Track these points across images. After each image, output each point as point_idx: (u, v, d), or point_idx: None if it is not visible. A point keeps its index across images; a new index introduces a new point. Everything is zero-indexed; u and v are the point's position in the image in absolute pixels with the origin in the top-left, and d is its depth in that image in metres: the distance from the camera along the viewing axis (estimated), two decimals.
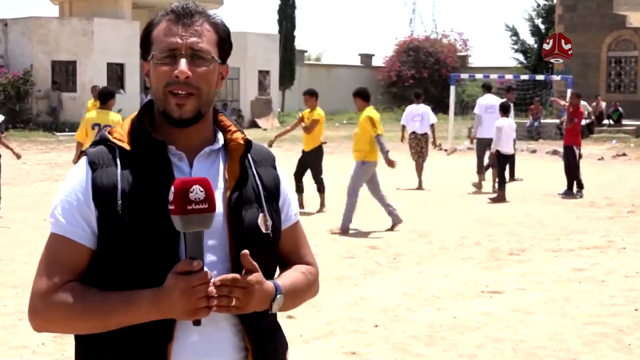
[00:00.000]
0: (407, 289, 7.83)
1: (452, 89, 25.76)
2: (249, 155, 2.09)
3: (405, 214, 12.47)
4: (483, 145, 15.99)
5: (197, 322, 1.87)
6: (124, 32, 31.96)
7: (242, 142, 2.07)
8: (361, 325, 6.59)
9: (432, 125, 16.57)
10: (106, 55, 31.35)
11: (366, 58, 48.63)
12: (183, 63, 1.94)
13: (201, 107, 1.99)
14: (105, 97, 10.78)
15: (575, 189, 14.68)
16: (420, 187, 16.11)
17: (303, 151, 13.09)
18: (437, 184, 16.55)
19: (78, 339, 2.03)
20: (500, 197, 14.14)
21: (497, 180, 14.68)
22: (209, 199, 1.82)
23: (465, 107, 36.80)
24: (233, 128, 2.09)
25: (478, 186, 15.77)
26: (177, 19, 1.98)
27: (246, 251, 1.92)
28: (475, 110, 16.42)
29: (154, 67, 1.99)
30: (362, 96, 11.12)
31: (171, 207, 1.82)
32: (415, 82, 43.46)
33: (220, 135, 2.08)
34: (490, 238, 10.55)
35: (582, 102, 20.17)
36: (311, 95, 12.98)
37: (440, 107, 40.40)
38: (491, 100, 16.33)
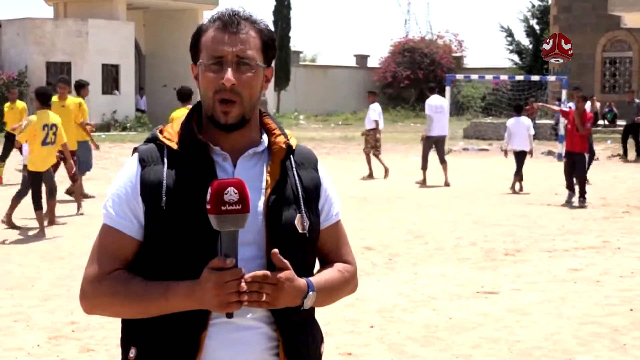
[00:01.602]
0: (403, 290, 7.83)
1: (448, 89, 25.72)
2: (291, 157, 2.20)
3: (401, 215, 12.49)
4: (430, 142, 16.88)
5: (229, 315, 1.98)
6: (119, 33, 31.94)
7: (283, 145, 2.17)
8: (357, 326, 6.59)
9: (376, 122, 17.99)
10: (101, 57, 31.31)
11: (362, 59, 48.64)
12: (229, 72, 2.07)
13: (245, 112, 2.11)
14: (46, 98, 10.93)
15: (577, 196, 13.72)
16: (371, 176, 17.74)
17: None
18: (433, 184, 16.56)
19: (123, 323, 2.18)
20: (513, 184, 15.61)
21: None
22: (243, 200, 1.93)
23: (461, 108, 36.83)
24: (277, 132, 2.20)
25: (422, 182, 16.52)
26: (224, 27, 2.10)
27: (276, 250, 2.02)
28: (427, 111, 17.17)
29: (202, 73, 2.12)
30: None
31: (208, 206, 1.94)
32: (411, 82, 43.49)
33: (264, 138, 2.20)
34: (486, 238, 10.56)
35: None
36: (179, 95, 12.13)
37: None
38: (439, 101, 17.40)
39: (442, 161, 16.83)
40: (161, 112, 31.29)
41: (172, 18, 35.17)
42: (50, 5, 35.14)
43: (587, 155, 14.03)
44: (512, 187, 15.56)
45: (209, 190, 1.93)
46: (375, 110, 17.76)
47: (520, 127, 15.70)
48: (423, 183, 16.51)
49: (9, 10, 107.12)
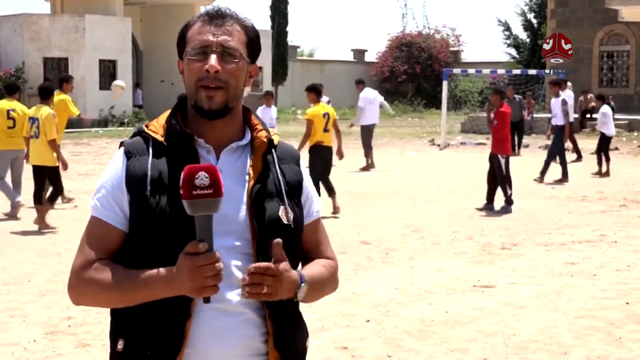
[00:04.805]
0: (399, 284, 7.84)
1: (445, 84, 25.76)
2: (273, 152, 2.25)
3: (397, 209, 12.49)
4: (366, 131, 18.38)
5: (206, 300, 1.99)
6: (116, 29, 31.88)
7: (264, 140, 2.22)
8: (353, 320, 6.60)
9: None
10: (98, 52, 31.26)
11: (359, 53, 48.59)
12: (213, 58, 2.11)
13: (229, 100, 2.14)
14: (46, 92, 11.09)
15: (502, 203, 12.38)
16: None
17: None
18: (430, 179, 16.57)
19: (112, 315, 2.22)
20: (604, 172, 17.04)
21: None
22: (215, 184, 1.93)
23: (458, 103, 36.82)
24: (259, 127, 2.25)
25: (367, 168, 17.92)
26: (210, 19, 2.16)
27: (279, 240, 2.05)
28: (360, 104, 18.69)
29: (187, 63, 2.16)
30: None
31: (181, 192, 1.95)
32: (408, 77, 43.46)
33: (248, 133, 2.24)
34: (483, 232, 10.57)
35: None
36: (308, 91, 12.54)
37: (432, 102, 40.47)
38: (372, 94, 18.93)
39: (370, 147, 18.43)
40: (158, 108, 31.25)
41: (169, 13, 35.11)
42: (47, 1, 35.08)
43: (502, 157, 12.47)
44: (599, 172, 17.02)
45: (181, 175, 1.95)
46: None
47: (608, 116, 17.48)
48: (366, 169, 17.90)
49: (5, 5, 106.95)
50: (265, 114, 15.92)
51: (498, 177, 12.46)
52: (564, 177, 16.05)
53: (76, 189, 14.36)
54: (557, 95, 16.76)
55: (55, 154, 10.66)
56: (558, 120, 16.39)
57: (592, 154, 21.69)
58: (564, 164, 16.17)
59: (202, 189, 1.93)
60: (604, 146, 17.31)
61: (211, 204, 1.94)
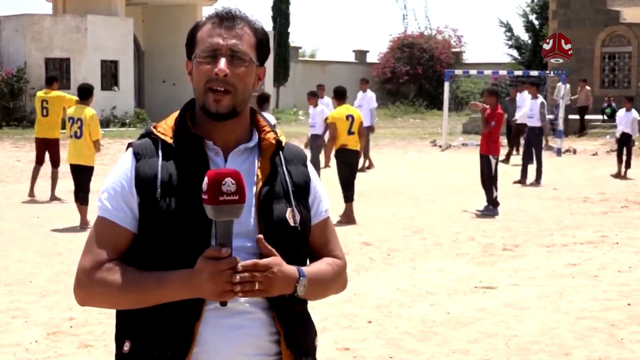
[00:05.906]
0: (401, 285, 7.84)
1: (446, 85, 25.76)
2: (280, 153, 2.26)
3: (399, 210, 12.50)
4: (369, 130, 17.94)
5: (223, 303, 2.03)
6: (118, 29, 31.89)
7: (273, 142, 2.24)
8: (354, 321, 6.61)
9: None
10: (100, 53, 31.26)
11: (361, 54, 48.54)
12: (223, 62, 2.12)
13: (236, 104, 2.15)
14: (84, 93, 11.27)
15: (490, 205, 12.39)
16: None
17: None
18: (431, 179, 16.57)
19: (117, 316, 2.21)
20: (616, 173, 17.28)
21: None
22: (240, 190, 1.96)
23: (460, 104, 36.79)
24: (267, 129, 2.26)
25: (368, 167, 18.24)
26: (220, 22, 2.17)
27: (260, 236, 2.08)
28: (373, 104, 18.84)
29: (196, 65, 2.17)
30: None
31: (204, 196, 1.95)
32: (410, 78, 43.44)
33: (255, 135, 2.25)
34: (484, 234, 10.57)
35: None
36: (334, 94, 12.20)
37: (434, 103, 40.44)
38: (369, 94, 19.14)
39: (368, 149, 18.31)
40: (160, 108, 31.25)
41: (171, 14, 35.12)
42: (49, 1, 35.10)
43: (493, 158, 12.44)
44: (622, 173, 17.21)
45: (205, 180, 1.96)
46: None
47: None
48: (368, 168, 18.07)
49: (7, 6, 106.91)
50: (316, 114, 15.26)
51: (486, 178, 12.43)
52: (524, 177, 15.99)
53: None
54: (536, 97, 16.75)
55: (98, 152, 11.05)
56: (535, 122, 16.38)
57: (594, 154, 21.73)
58: (526, 164, 16.11)
59: (229, 195, 1.94)
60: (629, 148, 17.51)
61: (235, 210, 1.96)
